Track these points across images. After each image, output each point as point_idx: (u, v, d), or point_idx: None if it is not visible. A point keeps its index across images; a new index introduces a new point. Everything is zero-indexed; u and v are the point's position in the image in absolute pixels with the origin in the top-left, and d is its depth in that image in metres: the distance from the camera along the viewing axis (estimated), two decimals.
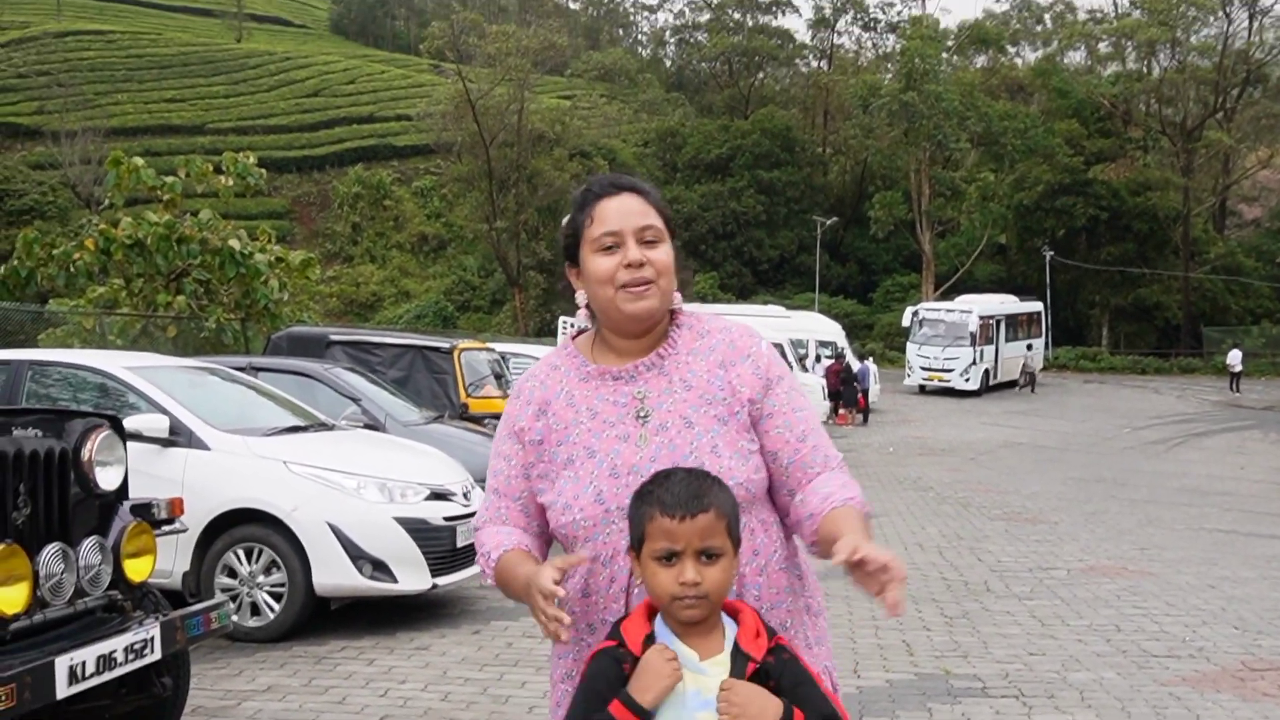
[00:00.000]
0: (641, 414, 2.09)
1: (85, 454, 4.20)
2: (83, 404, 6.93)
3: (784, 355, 24.35)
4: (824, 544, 2.00)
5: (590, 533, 2.05)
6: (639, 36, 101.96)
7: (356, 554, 6.56)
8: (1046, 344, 44.42)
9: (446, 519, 6.97)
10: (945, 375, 35.52)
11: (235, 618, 6.43)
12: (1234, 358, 39.73)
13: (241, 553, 6.66)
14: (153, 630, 4.10)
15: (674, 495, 1.88)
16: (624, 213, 2.09)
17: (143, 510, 4.57)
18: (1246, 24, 55.03)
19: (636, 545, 1.92)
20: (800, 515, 2.08)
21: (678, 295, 2.18)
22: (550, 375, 2.21)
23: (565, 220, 2.21)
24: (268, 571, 6.62)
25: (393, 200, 67.47)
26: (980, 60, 61.77)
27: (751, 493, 2.07)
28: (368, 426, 8.82)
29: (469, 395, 11.68)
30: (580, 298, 2.18)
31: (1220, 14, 53.76)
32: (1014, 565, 9.59)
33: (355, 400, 9.52)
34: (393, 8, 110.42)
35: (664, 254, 2.10)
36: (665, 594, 1.87)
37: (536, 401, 2.18)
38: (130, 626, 4.09)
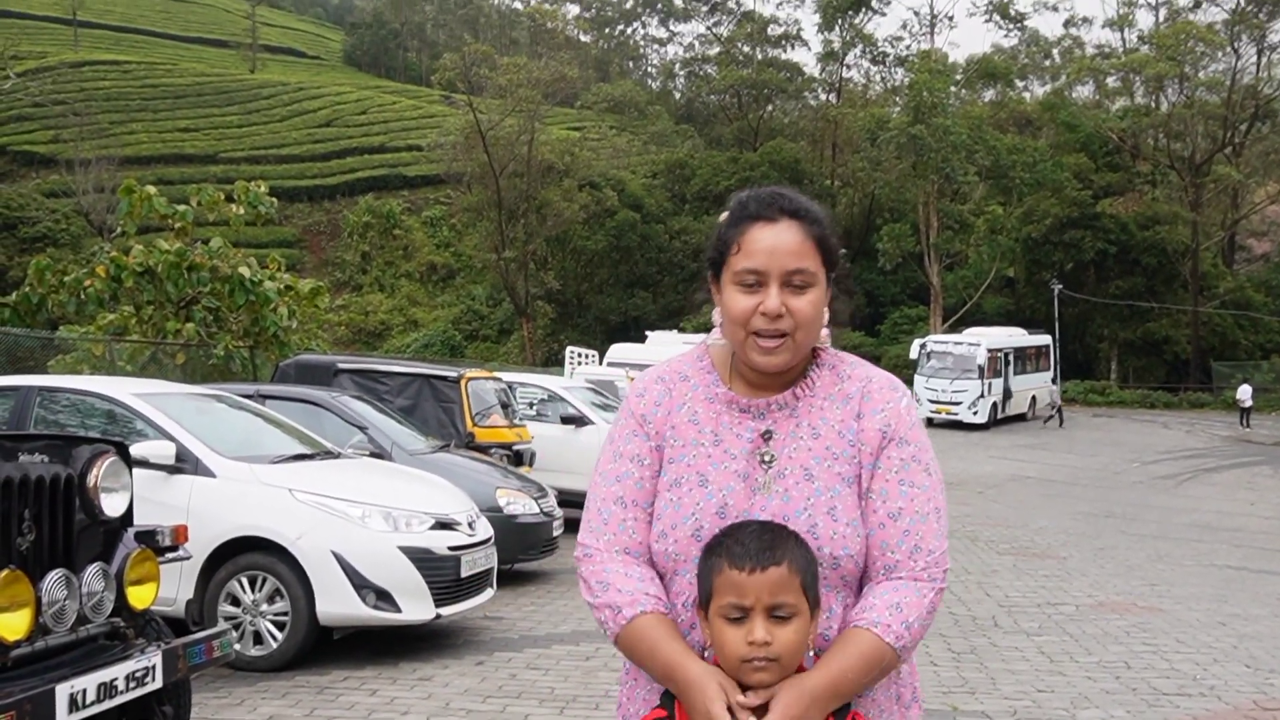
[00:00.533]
0: (765, 458, 1.89)
1: (91, 480, 4.20)
2: (90, 430, 6.94)
3: None
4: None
5: (679, 567, 1.87)
6: (649, 69, 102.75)
7: (360, 583, 6.54)
8: (1055, 377, 44.31)
9: (451, 548, 6.95)
10: (953, 408, 35.43)
11: (238, 646, 6.42)
12: (1244, 393, 39.56)
13: (245, 581, 6.64)
14: (154, 658, 4.08)
15: (744, 547, 1.74)
16: (775, 250, 1.86)
17: (147, 537, 4.55)
18: (1255, 60, 55.24)
19: (704, 602, 1.79)
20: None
21: (828, 333, 1.99)
22: (678, 385, 2.00)
23: (717, 227, 1.98)
24: (271, 600, 6.60)
25: (402, 230, 67.78)
26: (989, 94, 61.95)
27: (860, 568, 1.86)
28: (374, 455, 8.83)
29: (475, 424, 11.67)
30: (716, 315, 1.98)
31: (1228, 49, 53.91)
32: (1022, 601, 9.53)
33: (362, 428, 9.53)
34: (405, 40, 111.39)
35: (809, 304, 1.87)
36: (733, 655, 1.72)
37: (665, 405, 1.98)
38: (132, 654, 4.06)
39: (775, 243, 1.86)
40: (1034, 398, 40.00)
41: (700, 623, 1.80)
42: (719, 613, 1.74)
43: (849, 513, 1.84)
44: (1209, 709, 6.25)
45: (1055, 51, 68.85)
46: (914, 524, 1.85)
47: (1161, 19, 59.70)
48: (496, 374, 14.43)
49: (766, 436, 1.90)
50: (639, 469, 1.93)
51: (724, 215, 1.96)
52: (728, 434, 1.91)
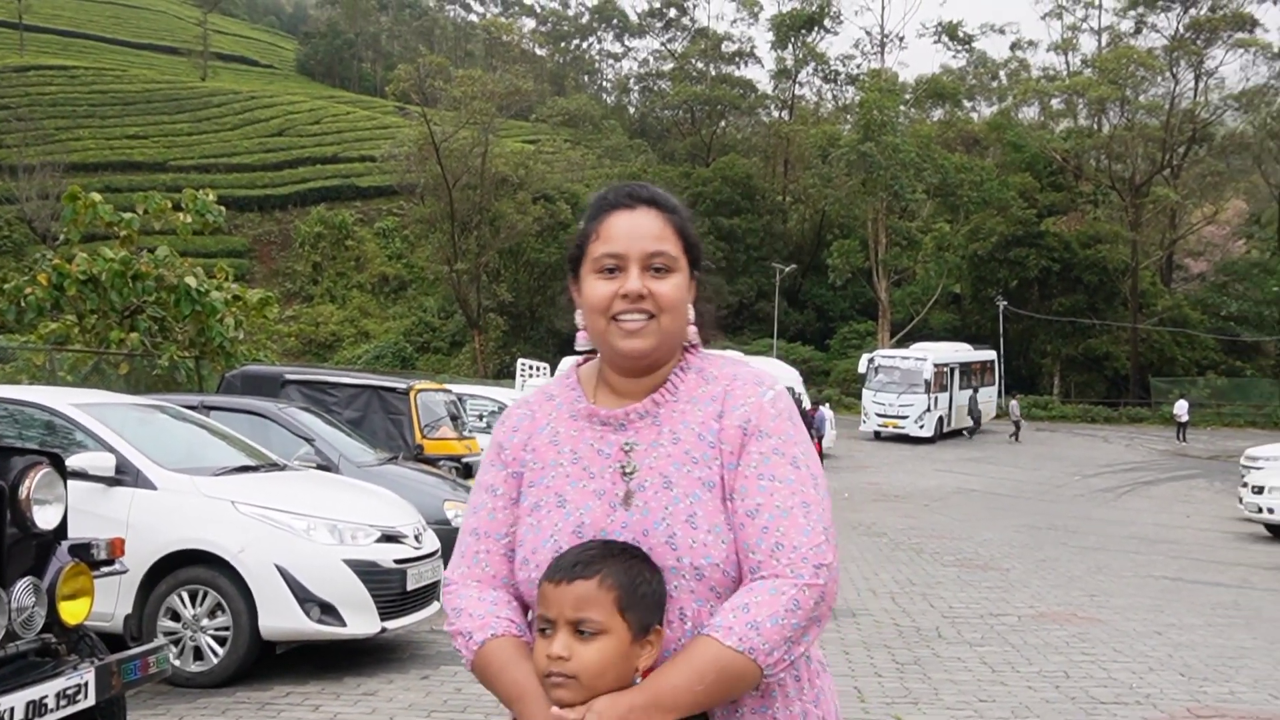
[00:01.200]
0: (627, 469, 1.79)
1: (23, 492, 4.12)
2: (28, 441, 6.81)
3: None
4: None
5: None
6: (603, 84, 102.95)
7: (304, 597, 6.47)
8: (1000, 392, 44.89)
9: (397, 561, 6.91)
10: (900, 422, 35.76)
11: (177, 662, 6.33)
12: (1180, 408, 40.36)
13: (186, 595, 6.54)
14: (87, 675, 4.02)
15: (562, 560, 1.68)
16: (634, 233, 1.80)
17: (82, 551, 4.48)
18: (1192, 85, 56.45)
19: None
20: None
21: (694, 331, 1.90)
22: (543, 406, 1.94)
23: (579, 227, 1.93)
24: (212, 614, 6.51)
25: (354, 241, 67.32)
26: (937, 113, 62.77)
27: (732, 577, 1.72)
28: (320, 467, 8.75)
29: (424, 437, 11.62)
30: (579, 318, 1.90)
31: (1167, 75, 55.08)
32: (966, 612, 9.64)
33: (309, 440, 9.45)
34: (359, 50, 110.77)
35: (671, 287, 1.80)
36: (539, 669, 1.65)
37: (524, 430, 1.91)
38: (64, 671, 3.99)
39: (634, 226, 1.80)
40: (979, 412, 40.51)
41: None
42: (535, 625, 1.69)
43: (710, 519, 1.72)
44: (1145, 717, 6.36)
45: (1002, 73, 69.96)
46: (773, 519, 1.70)
47: (1104, 44, 60.94)
48: (446, 386, 14.38)
49: (627, 448, 1.81)
50: (491, 499, 1.88)
51: (583, 219, 1.91)
52: (588, 450, 1.83)
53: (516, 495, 1.87)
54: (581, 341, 1.91)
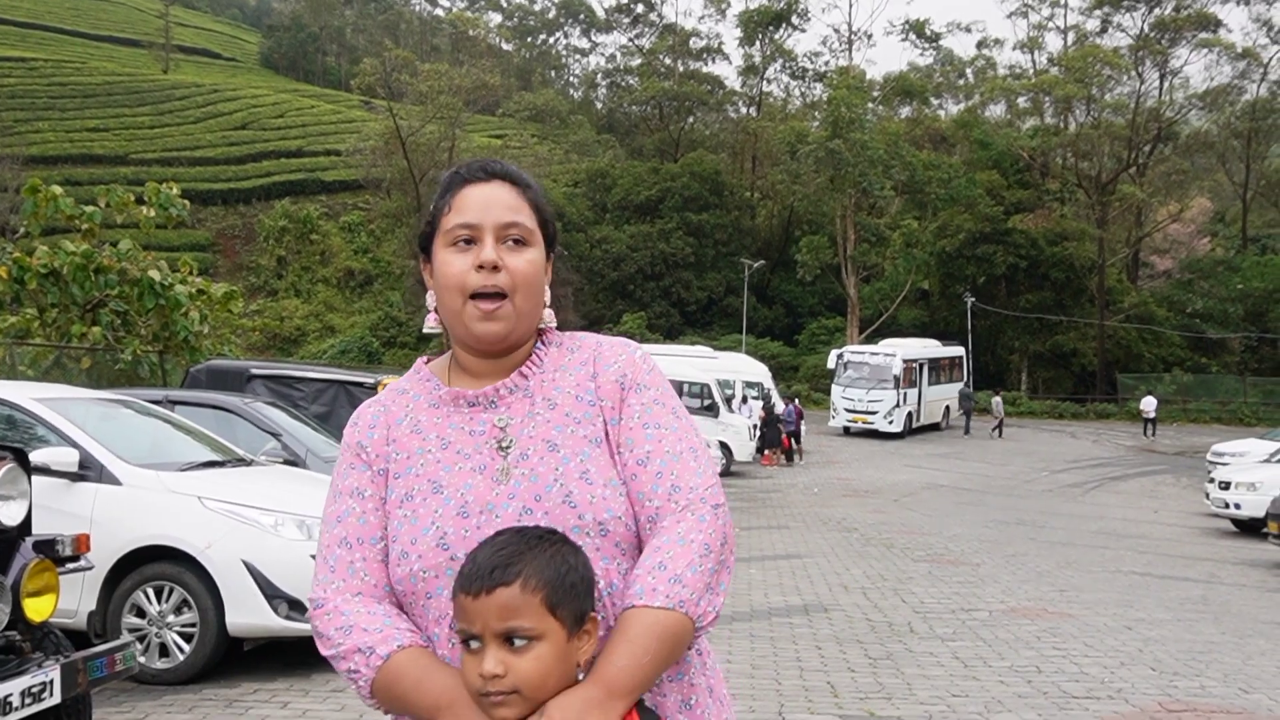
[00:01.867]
0: (504, 444, 1.72)
1: None
2: None
3: (710, 394, 24.47)
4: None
5: (432, 586, 1.64)
6: (571, 79, 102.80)
7: (272, 593, 6.38)
8: (968, 387, 45.18)
9: None
10: (869, 417, 35.93)
11: (143, 659, 6.23)
12: (1148, 404, 40.78)
13: (151, 591, 6.45)
14: (52, 673, 3.93)
15: (474, 564, 1.53)
16: (487, 204, 1.74)
17: (46, 547, 4.39)
18: (1157, 84, 57.06)
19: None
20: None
21: (549, 313, 1.84)
22: (396, 400, 1.83)
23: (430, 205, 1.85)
24: (178, 611, 6.42)
25: (320, 235, 66.79)
26: (905, 111, 63.12)
27: (634, 531, 1.68)
28: (288, 462, 8.65)
29: None
30: (430, 299, 1.84)
31: (1133, 74, 55.64)
32: (937, 607, 9.66)
33: (275, 435, 9.34)
34: (324, 43, 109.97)
35: (528, 262, 1.73)
36: (470, 688, 1.51)
37: (381, 425, 1.79)
38: (28, 669, 3.91)
39: (488, 197, 1.74)
40: (947, 407, 40.75)
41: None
42: (457, 638, 1.54)
43: (604, 473, 1.67)
44: (1116, 711, 6.38)
45: (969, 71, 70.45)
46: (666, 464, 1.67)
47: (1070, 42, 61.44)
48: None
49: (500, 424, 1.73)
50: (359, 503, 1.73)
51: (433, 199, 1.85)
52: (457, 433, 1.74)
53: (383, 496, 1.74)
54: (431, 324, 1.84)
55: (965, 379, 44.11)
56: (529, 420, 1.73)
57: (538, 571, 1.51)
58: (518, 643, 1.48)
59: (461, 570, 1.54)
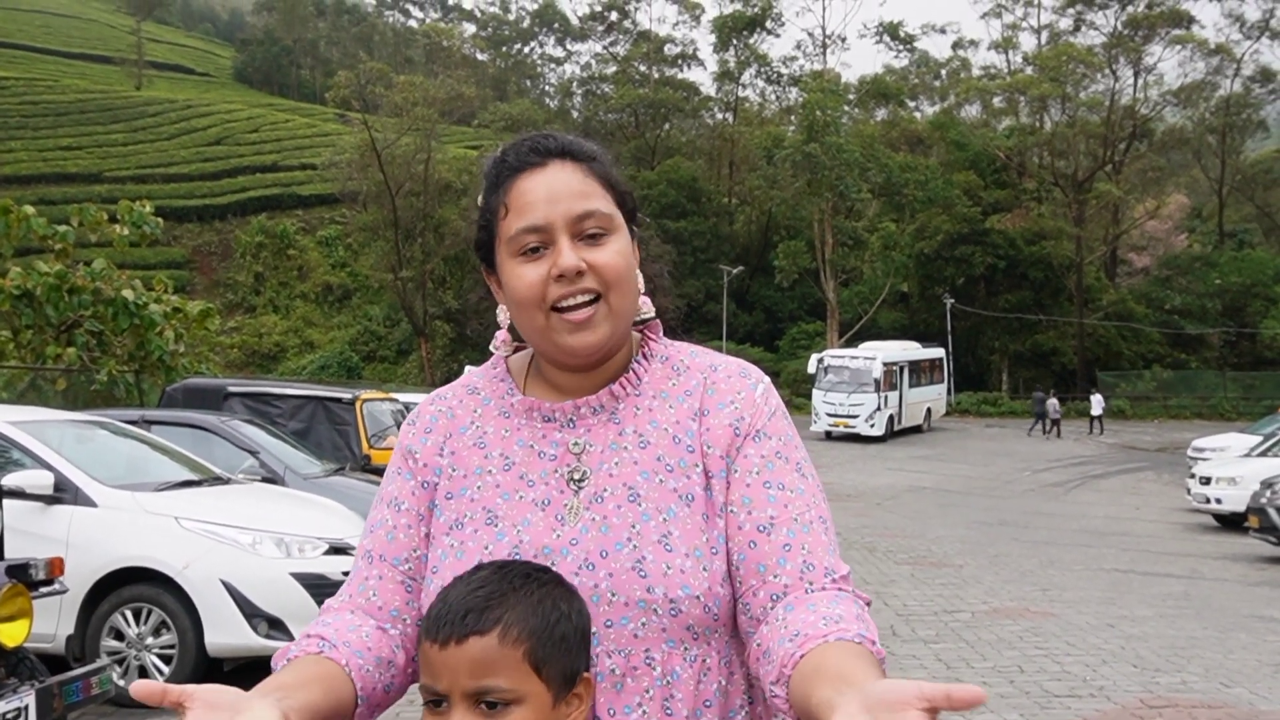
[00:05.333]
0: (576, 475, 1.43)
1: None
2: None
3: None
4: (805, 705, 1.12)
5: None
6: (546, 88, 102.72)
7: (251, 612, 6.35)
8: (949, 389, 45.32)
9: (346, 573, 6.77)
10: (851, 421, 35.98)
11: (122, 682, 6.17)
12: (1096, 401, 41.46)
13: (130, 613, 6.41)
14: (27, 698, 3.90)
15: (445, 604, 1.26)
16: (552, 195, 1.41)
17: (19, 571, 4.35)
18: (1132, 81, 57.48)
19: None
20: (758, 655, 1.30)
21: (647, 302, 1.54)
22: (464, 402, 1.55)
23: (480, 202, 1.52)
24: (157, 633, 6.37)
25: (297, 250, 66.60)
26: (880, 113, 63.33)
27: (713, 614, 1.37)
28: (266, 480, 8.62)
29: (371, 446, 11.49)
30: (502, 315, 1.53)
31: (1107, 71, 56.01)
32: (920, 609, 9.67)
33: (253, 453, 9.30)
34: (298, 57, 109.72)
35: (616, 253, 1.42)
36: None
37: (440, 431, 1.52)
38: (3, 694, 3.87)
39: (551, 187, 1.42)
40: (928, 409, 40.86)
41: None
42: (423, 696, 1.26)
43: (689, 539, 1.38)
44: (1099, 709, 6.39)
45: (944, 72, 70.76)
46: (795, 535, 1.38)
47: (1044, 42, 61.79)
48: (393, 395, 14.22)
49: (576, 449, 1.45)
50: (394, 515, 1.49)
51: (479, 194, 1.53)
52: (524, 454, 1.47)
53: (427, 512, 1.48)
54: (499, 345, 1.56)
55: (946, 380, 44.25)
56: (611, 454, 1.44)
57: (520, 619, 1.24)
58: (492, 705, 1.22)
59: (428, 612, 1.28)
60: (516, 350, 1.59)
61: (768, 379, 1.55)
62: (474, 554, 1.39)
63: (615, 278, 1.41)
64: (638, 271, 1.50)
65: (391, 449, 10.05)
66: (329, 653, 1.34)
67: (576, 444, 1.45)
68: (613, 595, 1.36)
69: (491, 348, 1.57)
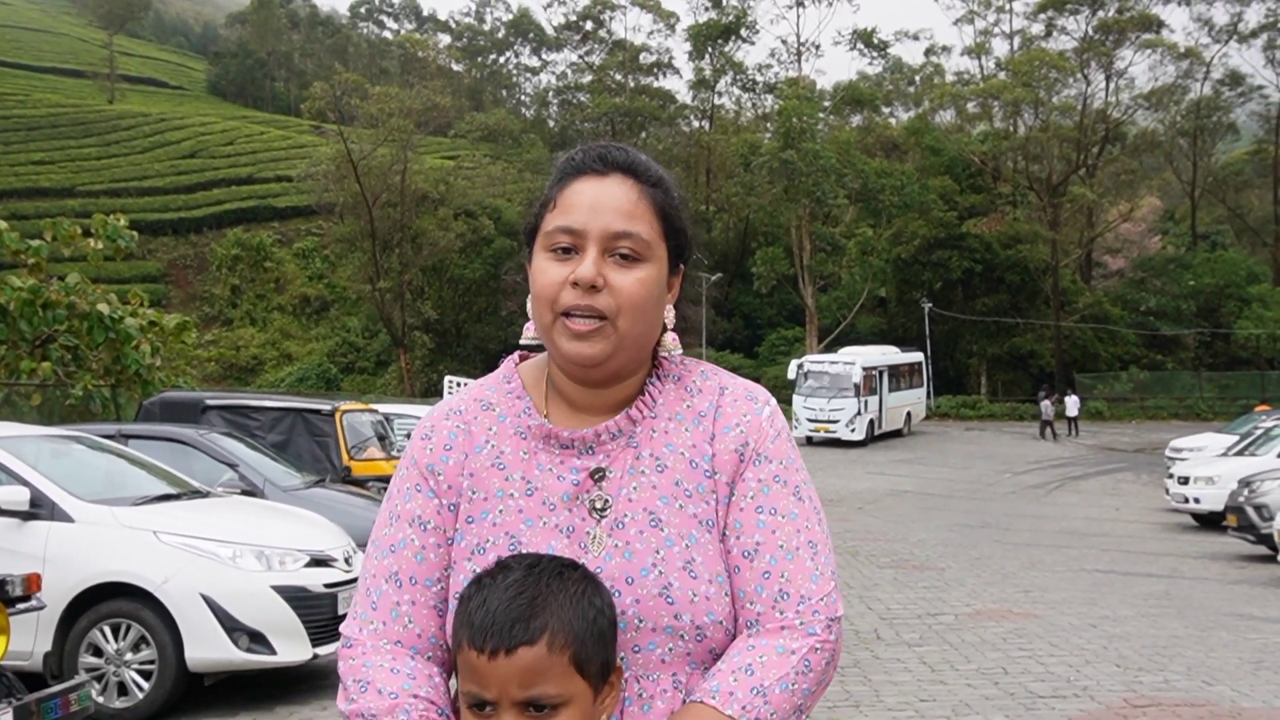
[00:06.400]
0: (598, 503, 1.45)
1: None
2: None
3: None
4: None
5: None
6: (522, 98, 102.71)
7: (232, 626, 6.29)
8: (928, 393, 45.46)
9: (327, 586, 6.74)
10: (831, 426, 36.05)
11: (100, 698, 6.10)
12: (1073, 403, 41.68)
13: (108, 629, 6.34)
14: (5, 716, 3.84)
15: (488, 613, 1.26)
16: (597, 205, 1.43)
17: None
18: (1104, 85, 57.91)
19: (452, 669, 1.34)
20: None
21: (671, 337, 1.57)
22: (479, 418, 1.53)
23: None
24: (136, 648, 6.31)
25: (273, 262, 66.33)
26: (856, 120, 63.58)
27: (733, 637, 1.43)
28: (245, 492, 8.55)
29: (351, 458, 11.43)
30: (530, 304, 1.54)
31: (1079, 76, 56.42)
32: (903, 612, 9.68)
33: (232, 466, 9.24)
34: (271, 69, 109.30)
35: (638, 282, 1.43)
36: None
37: (459, 448, 1.51)
38: None
39: (599, 196, 1.44)
40: (908, 413, 40.97)
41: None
42: (463, 699, 1.29)
43: (711, 566, 1.41)
44: (1083, 709, 6.41)
45: (918, 78, 71.06)
46: (776, 563, 1.41)
47: (1016, 47, 62.19)
48: (372, 406, 14.17)
49: (597, 476, 1.46)
50: (420, 535, 1.47)
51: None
52: (545, 478, 1.47)
53: (450, 533, 1.47)
54: (528, 334, 1.57)
55: (925, 384, 44.42)
56: (631, 478, 1.46)
57: (565, 624, 1.27)
58: (541, 708, 1.26)
59: (470, 618, 1.27)
60: (523, 360, 1.61)
61: (774, 402, 1.57)
62: None
63: (629, 304, 1.43)
64: (670, 307, 1.54)
65: (371, 460, 9.96)
66: (431, 716, 1.38)
67: (597, 471, 1.47)
68: (640, 621, 1.39)
69: (523, 338, 1.58)
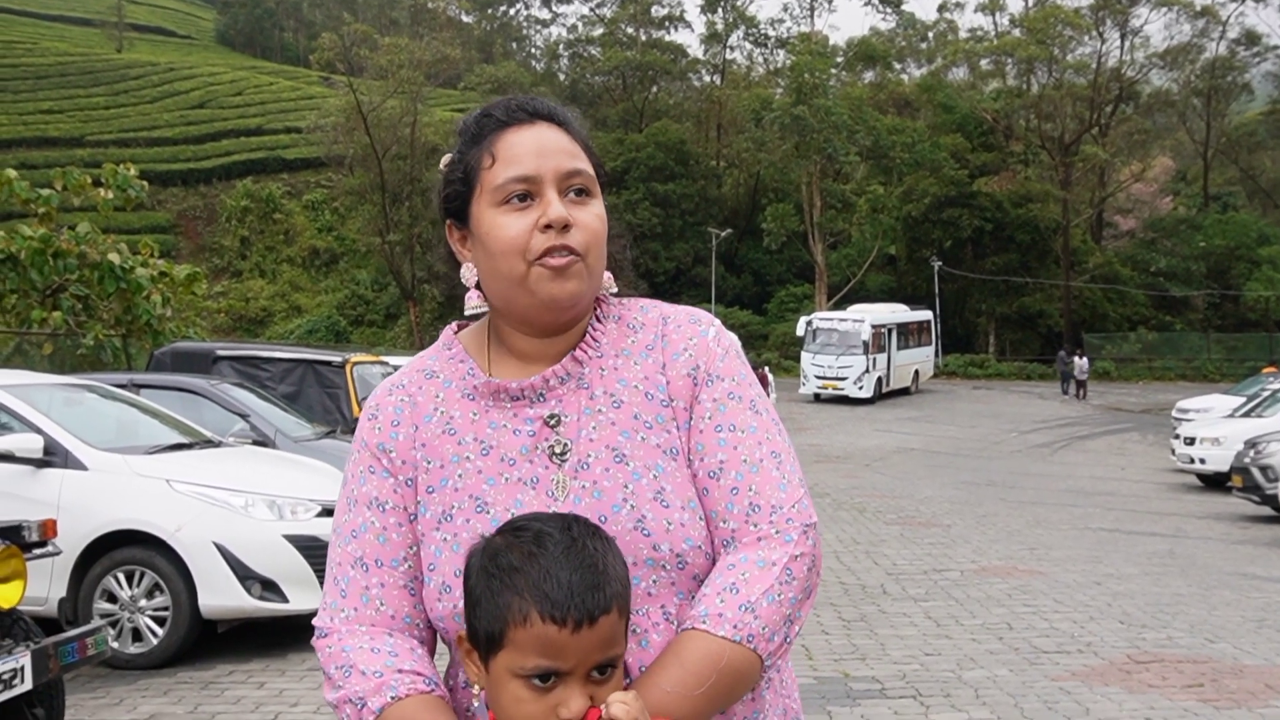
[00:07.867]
0: (557, 448, 1.43)
1: None
2: None
3: None
4: None
5: None
6: (533, 50, 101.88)
7: (245, 574, 6.36)
8: (936, 352, 45.43)
9: None
10: (839, 383, 36.08)
11: (115, 644, 6.19)
12: (1082, 365, 41.52)
13: (122, 576, 6.41)
14: (23, 659, 3.91)
15: (558, 584, 1.22)
16: (542, 149, 1.44)
17: (12, 533, 4.35)
18: (1119, 44, 57.27)
19: (484, 643, 1.26)
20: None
21: (608, 276, 1.54)
22: (422, 387, 1.52)
23: (447, 159, 1.55)
24: (150, 595, 6.39)
25: (283, 214, 66.17)
26: (868, 76, 63.02)
27: (713, 561, 1.41)
28: (256, 443, 8.60)
29: (362, 409, 11.47)
30: (468, 274, 1.52)
31: (1094, 33, 55.78)
32: (909, 568, 9.75)
33: (243, 416, 9.29)
34: (281, 19, 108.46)
35: (595, 216, 1.45)
36: None
37: (407, 422, 1.49)
38: None
39: (540, 142, 1.44)
40: (916, 371, 40.97)
41: (467, 664, 1.31)
42: (517, 672, 1.23)
43: (682, 492, 1.40)
44: (1087, 665, 6.47)
45: (931, 35, 70.31)
46: (743, 477, 1.40)
47: (1031, 3, 61.45)
48: (383, 358, 14.20)
49: (552, 422, 1.44)
50: (380, 516, 1.46)
51: (451, 151, 1.54)
52: (499, 435, 1.45)
53: (410, 510, 1.46)
54: (474, 303, 1.53)
55: (933, 342, 44.37)
56: (587, 419, 1.45)
57: (621, 584, 1.27)
58: (604, 670, 1.24)
59: (543, 592, 1.22)
60: (461, 329, 1.59)
61: (719, 322, 1.58)
62: (469, 545, 1.35)
63: (594, 239, 1.45)
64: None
65: None
66: (436, 690, 1.38)
67: (552, 416, 1.45)
68: None
69: (467, 309, 1.55)
